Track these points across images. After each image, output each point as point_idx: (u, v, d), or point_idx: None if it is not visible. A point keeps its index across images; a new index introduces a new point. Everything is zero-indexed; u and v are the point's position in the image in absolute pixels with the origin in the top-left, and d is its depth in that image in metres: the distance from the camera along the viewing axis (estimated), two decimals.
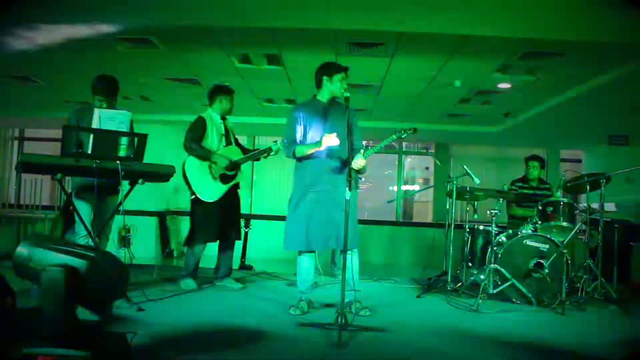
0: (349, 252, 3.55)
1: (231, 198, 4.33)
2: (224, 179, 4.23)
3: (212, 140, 4.23)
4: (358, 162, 3.34)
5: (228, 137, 4.36)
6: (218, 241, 4.35)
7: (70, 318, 2.04)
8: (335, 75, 3.54)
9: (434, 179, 9.03)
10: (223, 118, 4.37)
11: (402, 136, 4.62)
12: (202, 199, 4.13)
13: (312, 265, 3.63)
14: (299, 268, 3.63)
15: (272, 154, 4.30)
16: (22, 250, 2.12)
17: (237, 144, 4.46)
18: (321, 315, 3.47)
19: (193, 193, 4.15)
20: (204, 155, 4.15)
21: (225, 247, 4.42)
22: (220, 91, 4.35)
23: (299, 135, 3.56)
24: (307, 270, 3.61)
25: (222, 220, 4.23)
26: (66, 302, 2.01)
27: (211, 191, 4.17)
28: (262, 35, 4.09)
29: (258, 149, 4.40)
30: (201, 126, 4.21)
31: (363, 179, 3.75)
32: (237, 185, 4.39)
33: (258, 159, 4.46)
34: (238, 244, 4.76)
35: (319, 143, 3.37)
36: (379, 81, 5.34)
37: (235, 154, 4.32)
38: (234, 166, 4.27)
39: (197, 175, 4.15)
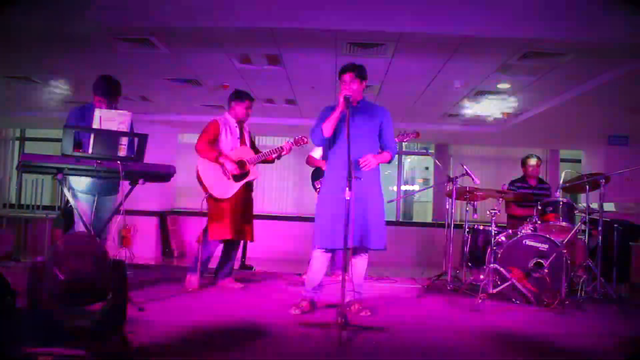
0: (360, 253, 3.57)
1: (245, 198, 4.38)
2: (237, 177, 4.28)
3: (227, 142, 4.29)
4: (368, 160, 3.35)
5: (243, 140, 4.42)
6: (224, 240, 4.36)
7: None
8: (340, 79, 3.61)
9: (433, 179, 9.03)
10: (240, 122, 4.42)
11: (404, 140, 4.67)
12: (215, 195, 4.21)
13: (325, 266, 3.63)
14: (311, 266, 3.64)
15: (283, 153, 4.36)
16: None
17: (253, 146, 4.52)
18: (322, 315, 3.47)
19: (206, 191, 4.22)
20: (212, 156, 4.21)
21: (232, 248, 4.48)
22: (234, 97, 4.41)
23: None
24: (318, 271, 3.61)
25: (237, 218, 4.27)
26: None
27: (224, 188, 4.24)
28: (262, 35, 4.09)
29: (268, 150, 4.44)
30: (214, 129, 4.28)
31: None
32: (250, 187, 4.44)
33: (271, 160, 4.48)
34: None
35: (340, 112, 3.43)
36: (379, 81, 5.34)
37: (247, 155, 4.37)
38: (243, 165, 4.31)
39: (210, 174, 4.23)
